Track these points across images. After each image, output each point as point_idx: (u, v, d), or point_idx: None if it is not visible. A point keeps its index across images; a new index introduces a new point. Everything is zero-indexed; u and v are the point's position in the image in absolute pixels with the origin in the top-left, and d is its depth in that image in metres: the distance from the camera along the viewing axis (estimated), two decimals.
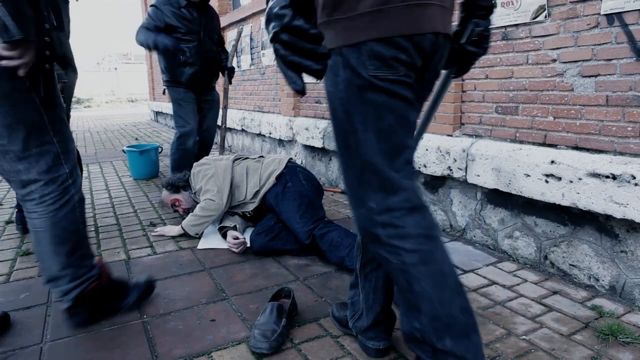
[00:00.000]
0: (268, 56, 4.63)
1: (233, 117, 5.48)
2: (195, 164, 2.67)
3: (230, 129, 5.87)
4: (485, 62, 2.34)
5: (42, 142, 1.45)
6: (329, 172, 3.75)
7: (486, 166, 2.25)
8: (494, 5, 1.21)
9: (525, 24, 2.12)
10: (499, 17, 2.22)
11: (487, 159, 2.24)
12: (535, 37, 2.08)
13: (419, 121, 1.26)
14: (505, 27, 2.22)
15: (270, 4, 0.87)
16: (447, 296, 1.04)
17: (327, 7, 1.02)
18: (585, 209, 1.83)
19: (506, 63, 2.24)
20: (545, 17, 2.02)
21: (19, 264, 2.28)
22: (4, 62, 1.28)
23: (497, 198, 2.31)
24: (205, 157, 2.78)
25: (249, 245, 2.30)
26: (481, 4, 1.17)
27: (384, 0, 0.96)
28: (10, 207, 3.32)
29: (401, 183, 1.05)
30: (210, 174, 2.46)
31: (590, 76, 1.88)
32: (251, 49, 5.10)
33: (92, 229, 2.76)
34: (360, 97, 1.02)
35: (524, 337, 1.54)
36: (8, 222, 2.96)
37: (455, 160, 2.43)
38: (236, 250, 2.26)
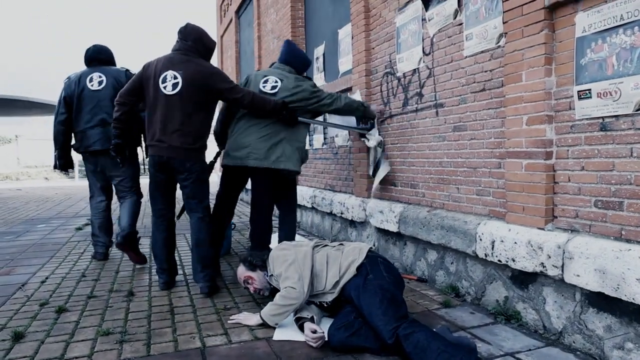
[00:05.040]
0: (342, 137, 4.71)
1: (303, 194, 5.54)
2: (275, 247, 2.66)
3: (300, 206, 5.92)
4: (581, 153, 2.21)
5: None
6: (403, 257, 3.62)
7: (587, 266, 2.05)
8: None
9: (627, 115, 2.00)
10: (595, 108, 2.12)
11: (588, 258, 2.05)
12: None
13: None
14: (603, 117, 2.10)
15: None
16: (159, 246, 3.18)
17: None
18: None
19: (605, 155, 2.10)
20: None
21: (99, 344, 2.30)
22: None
23: (602, 302, 2.08)
24: (285, 242, 2.77)
25: (326, 339, 2.19)
26: None
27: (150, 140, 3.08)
28: (93, 280, 3.44)
29: (156, 207, 3.20)
30: (290, 260, 2.43)
31: None
32: (324, 129, 5.24)
33: (167, 310, 2.78)
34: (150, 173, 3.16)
35: None
36: (90, 297, 3.05)
37: (550, 257, 2.24)
38: (314, 345, 2.16)
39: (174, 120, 2.99)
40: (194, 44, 3.12)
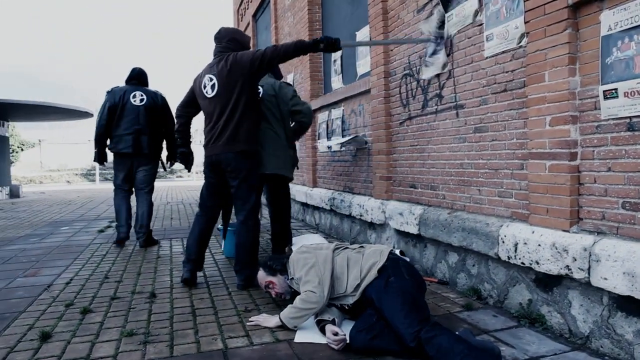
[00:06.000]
0: (360, 139, 4.70)
1: (322, 196, 5.55)
2: (295, 250, 2.67)
3: (318, 208, 5.93)
4: (607, 154, 2.17)
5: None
6: (423, 259, 3.59)
7: (615, 269, 2.01)
8: None
9: None
10: (622, 108, 2.07)
11: (616, 260, 2.00)
12: None
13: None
14: (630, 117, 2.06)
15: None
16: (193, 237, 3.41)
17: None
18: None
19: (633, 155, 2.06)
20: None
21: (123, 345, 2.33)
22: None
23: (630, 305, 2.03)
24: (305, 245, 2.78)
25: (348, 341, 2.18)
26: None
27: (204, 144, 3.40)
28: (116, 281, 3.50)
29: (202, 202, 3.50)
30: (310, 264, 2.43)
31: None
32: (342, 130, 5.24)
33: (189, 311, 2.81)
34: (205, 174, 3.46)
35: None
36: (113, 298, 3.10)
37: (575, 260, 2.20)
38: (336, 347, 2.16)
39: (220, 122, 3.23)
40: (228, 43, 3.32)
